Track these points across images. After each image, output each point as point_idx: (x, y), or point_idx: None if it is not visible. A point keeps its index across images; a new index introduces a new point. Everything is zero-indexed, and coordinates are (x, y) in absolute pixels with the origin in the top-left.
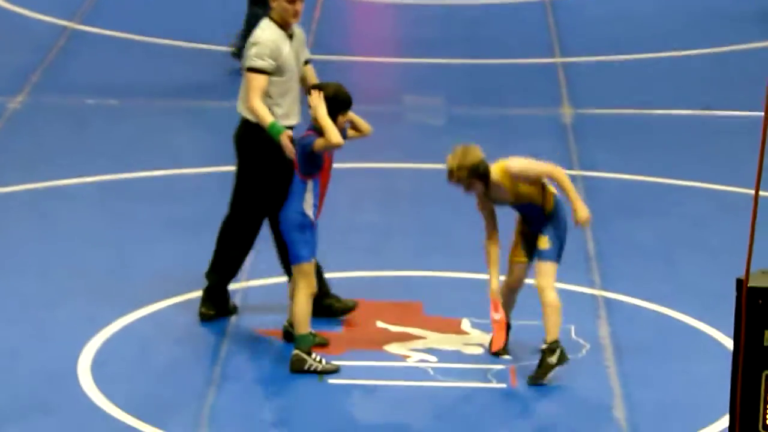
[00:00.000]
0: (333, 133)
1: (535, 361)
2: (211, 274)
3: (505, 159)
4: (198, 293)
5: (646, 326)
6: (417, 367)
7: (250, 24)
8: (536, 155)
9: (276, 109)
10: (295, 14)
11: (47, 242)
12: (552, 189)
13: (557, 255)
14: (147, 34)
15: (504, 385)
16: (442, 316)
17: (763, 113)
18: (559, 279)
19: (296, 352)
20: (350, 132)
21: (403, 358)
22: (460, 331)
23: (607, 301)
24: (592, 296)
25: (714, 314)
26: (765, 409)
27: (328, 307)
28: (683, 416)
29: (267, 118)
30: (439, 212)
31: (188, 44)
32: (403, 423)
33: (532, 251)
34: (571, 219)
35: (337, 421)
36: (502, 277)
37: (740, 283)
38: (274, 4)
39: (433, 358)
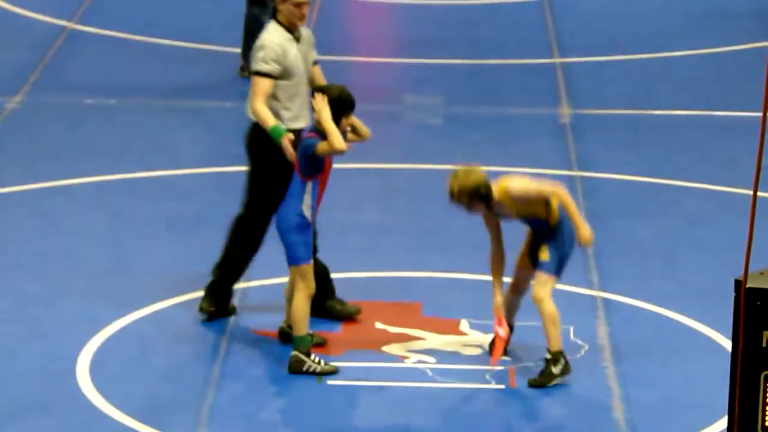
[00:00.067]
0: (337, 139)
1: (534, 363)
2: (217, 270)
3: (506, 178)
4: (198, 293)
5: (644, 326)
6: (416, 368)
7: (249, 25)
8: (535, 155)
9: (285, 113)
10: (302, 17)
11: (46, 241)
12: (555, 203)
13: (555, 268)
14: (145, 34)
15: (503, 386)
16: (440, 316)
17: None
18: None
19: (295, 353)
20: (350, 135)
21: (402, 359)
22: (458, 332)
23: (606, 301)
24: (591, 296)
25: (713, 314)
26: (764, 410)
27: (329, 309)
28: (682, 416)
29: (269, 121)
30: (438, 212)
31: (187, 44)
32: (402, 424)
33: (536, 260)
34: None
35: (336, 422)
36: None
37: (739, 284)
38: (281, 7)
39: (432, 359)
